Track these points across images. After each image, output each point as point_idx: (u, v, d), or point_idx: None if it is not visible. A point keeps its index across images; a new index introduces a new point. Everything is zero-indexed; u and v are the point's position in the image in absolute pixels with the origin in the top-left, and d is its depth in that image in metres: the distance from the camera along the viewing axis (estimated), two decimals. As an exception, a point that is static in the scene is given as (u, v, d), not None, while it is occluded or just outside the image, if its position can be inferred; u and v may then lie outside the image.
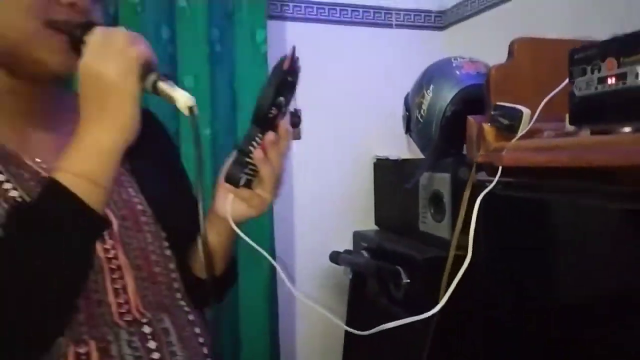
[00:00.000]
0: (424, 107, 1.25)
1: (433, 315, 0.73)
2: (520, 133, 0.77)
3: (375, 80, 1.67)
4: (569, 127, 0.72)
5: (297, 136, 0.66)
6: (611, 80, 0.63)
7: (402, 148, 1.57)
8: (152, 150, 0.71)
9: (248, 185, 0.63)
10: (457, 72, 1.23)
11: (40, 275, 0.51)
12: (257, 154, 0.60)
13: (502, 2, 1.47)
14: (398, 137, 1.47)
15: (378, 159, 1.62)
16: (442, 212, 1.21)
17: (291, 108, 0.64)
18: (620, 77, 0.62)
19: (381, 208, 1.62)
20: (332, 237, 1.60)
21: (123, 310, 0.62)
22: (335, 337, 1.55)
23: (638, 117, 0.61)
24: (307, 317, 1.65)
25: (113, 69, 0.51)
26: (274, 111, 0.59)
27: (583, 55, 0.68)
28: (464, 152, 0.94)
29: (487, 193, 0.78)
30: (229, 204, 0.65)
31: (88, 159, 0.53)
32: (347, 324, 1.46)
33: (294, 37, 1.59)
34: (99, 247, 0.60)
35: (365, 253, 1.46)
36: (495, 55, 0.98)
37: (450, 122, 1.19)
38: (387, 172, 1.57)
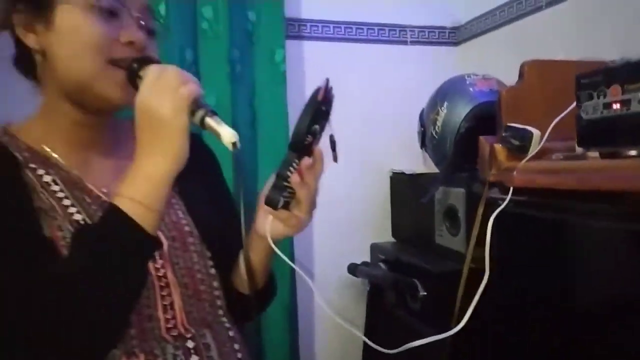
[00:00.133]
0: (439, 123, 1.29)
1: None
2: (530, 154, 0.81)
3: (390, 96, 1.71)
4: (579, 149, 0.75)
5: (334, 159, 0.70)
6: (616, 106, 0.67)
7: (418, 162, 1.61)
8: (200, 173, 0.76)
9: (286, 206, 0.67)
10: (471, 89, 1.26)
11: (100, 291, 0.56)
12: (294, 178, 0.64)
13: (516, 19, 1.51)
14: (414, 151, 1.50)
15: (394, 173, 1.65)
16: (457, 226, 1.24)
17: (326, 133, 0.68)
18: (625, 103, 0.66)
19: (398, 221, 1.65)
20: (350, 249, 1.63)
21: (170, 326, 0.66)
22: (354, 348, 1.58)
23: (641, 142, 0.64)
24: (326, 329, 1.69)
25: (167, 106, 0.57)
26: (309, 138, 0.63)
27: (589, 81, 0.72)
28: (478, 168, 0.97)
29: (499, 210, 0.81)
30: (268, 225, 0.69)
31: (143, 186, 0.58)
32: (366, 335, 1.50)
33: (312, 55, 1.64)
34: (150, 265, 0.66)
35: (382, 265, 1.49)
36: (508, 70, 1.01)
37: (464, 139, 1.22)
38: (403, 185, 1.60)
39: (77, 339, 0.56)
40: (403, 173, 1.59)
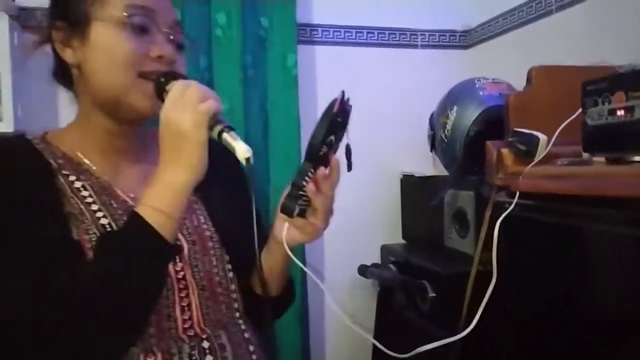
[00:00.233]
0: (448, 127, 1.30)
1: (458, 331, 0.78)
2: (537, 159, 0.82)
3: (401, 99, 1.73)
4: (586, 155, 0.77)
5: (348, 168, 0.71)
6: (620, 112, 0.68)
7: (428, 165, 1.62)
8: (225, 180, 0.79)
9: (302, 214, 0.69)
10: (481, 93, 1.27)
11: (119, 293, 0.59)
12: (309, 187, 0.66)
13: (526, 23, 1.51)
14: (424, 154, 1.52)
15: (405, 176, 1.67)
16: (466, 229, 1.26)
17: (343, 143, 0.70)
18: (629, 109, 0.67)
19: (408, 223, 1.67)
20: (360, 250, 1.66)
21: (187, 326, 0.69)
22: (365, 349, 1.60)
23: (646, 148, 0.65)
24: (337, 331, 1.71)
25: (187, 120, 0.60)
26: (324, 149, 0.65)
27: (594, 87, 0.73)
28: (486, 171, 0.98)
29: (506, 213, 0.82)
30: (285, 232, 0.71)
31: (164, 196, 0.62)
32: (375, 335, 1.51)
33: (323, 60, 1.67)
34: (171, 268, 0.69)
35: (392, 267, 1.51)
36: (519, 74, 1.02)
37: (473, 142, 1.23)
38: (413, 188, 1.62)
39: (97, 337, 0.59)
40: (413, 176, 1.60)
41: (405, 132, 1.70)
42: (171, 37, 0.71)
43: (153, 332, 0.66)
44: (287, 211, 0.67)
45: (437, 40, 1.78)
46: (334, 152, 0.67)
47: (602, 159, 0.73)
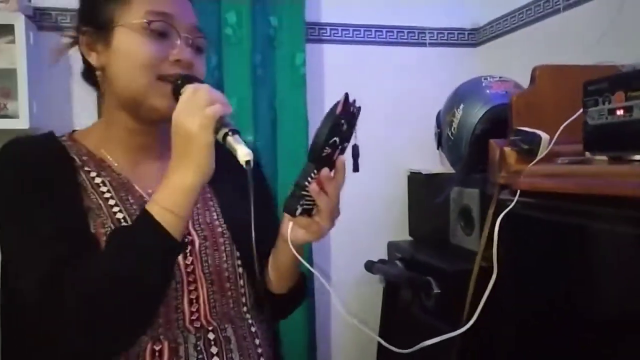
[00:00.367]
0: (455, 125, 1.31)
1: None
2: (539, 157, 0.83)
3: (409, 97, 1.74)
4: (587, 154, 0.77)
5: (354, 168, 0.72)
6: (619, 112, 0.69)
7: (435, 162, 1.63)
8: (238, 176, 0.81)
9: (308, 214, 0.70)
10: (487, 92, 1.28)
11: (128, 283, 0.62)
12: (312, 187, 0.67)
13: (535, 21, 1.52)
14: (431, 151, 1.53)
15: (412, 173, 1.68)
16: (471, 226, 1.27)
17: (352, 143, 0.70)
18: (628, 109, 0.68)
19: (415, 220, 1.68)
20: (367, 246, 1.67)
21: (194, 318, 0.72)
22: (370, 344, 1.62)
23: (644, 147, 0.66)
24: (343, 325, 1.73)
25: (195, 123, 0.63)
26: (327, 150, 0.66)
27: (595, 87, 0.74)
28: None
29: (508, 211, 0.84)
30: (289, 230, 0.73)
31: (173, 195, 0.65)
32: (381, 330, 1.53)
33: (331, 58, 1.68)
34: (181, 261, 0.73)
35: (399, 263, 1.52)
36: (528, 72, 1.02)
37: (479, 140, 1.24)
38: (420, 185, 1.63)
39: (109, 325, 0.63)
40: (420, 173, 1.62)
41: (413, 129, 1.71)
42: (190, 41, 0.74)
43: (161, 322, 0.69)
44: (289, 211, 0.69)
45: (445, 38, 1.79)
46: (341, 153, 0.68)
47: (605, 158, 0.74)
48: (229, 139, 0.65)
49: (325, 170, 0.67)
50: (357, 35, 1.71)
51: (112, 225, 0.69)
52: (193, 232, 0.76)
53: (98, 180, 0.73)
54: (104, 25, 0.73)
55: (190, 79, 0.70)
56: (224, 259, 0.78)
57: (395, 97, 1.74)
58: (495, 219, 0.86)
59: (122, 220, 0.71)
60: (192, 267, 0.74)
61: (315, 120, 1.64)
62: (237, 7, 1.48)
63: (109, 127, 0.77)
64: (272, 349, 0.83)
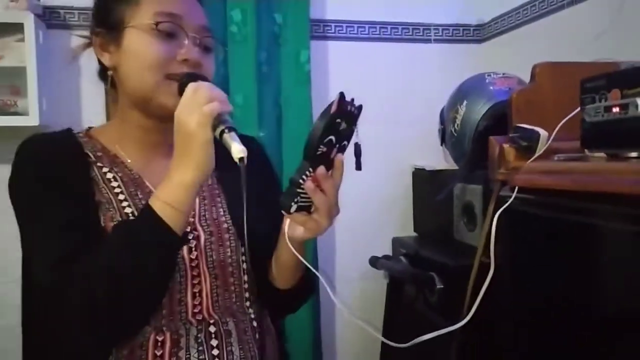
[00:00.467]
0: (458, 121, 1.32)
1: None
2: (537, 154, 0.84)
3: (414, 94, 1.75)
4: (585, 150, 0.78)
5: (356, 167, 0.72)
6: (616, 110, 0.69)
7: (439, 158, 1.63)
8: (251, 175, 0.82)
9: (307, 211, 0.70)
10: (490, 88, 1.28)
11: (129, 276, 0.65)
12: (308, 185, 0.67)
13: (540, 17, 1.51)
14: (436, 148, 1.54)
15: (416, 169, 1.69)
16: (474, 222, 1.28)
17: (353, 141, 0.71)
18: (623, 107, 0.68)
19: (419, 216, 1.69)
20: (372, 242, 1.69)
21: (196, 311, 0.75)
22: (374, 339, 1.63)
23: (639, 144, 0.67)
24: (347, 321, 1.75)
25: (193, 121, 0.65)
26: (322, 148, 0.66)
27: (592, 85, 0.74)
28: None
29: (507, 207, 0.84)
30: (286, 226, 0.74)
31: (174, 191, 0.67)
32: (384, 325, 1.54)
33: (336, 55, 1.69)
34: (186, 256, 0.75)
35: (403, 259, 1.53)
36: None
37: (482, 137, 1.24)
38: (424, 181, 1.64)
39: (113, 315, 0.65)
40: (424, 169, 1.62)
41: (417, 126, 1.72)
42: (198, 41, 0.76)
43: (165, 314, 0.72)
44: (283, 207, 0.69)
45: (450, 34, 1.79)
46: (341, 152, 0.68)
47: (602, 155, 0.74)
48: (225, 136, 0.66)
49: (321, 169, 0.67)
50: (362, 32, 1.72)
51: (120, 219, 0.72)
52: (199, 228, 0.78)
53: (110, 175, 0.77)
54: (115, 27, 0.76)
55: (195, 78, 0.72)
56: (229, 254, 0.80)
57: (400, 93, 1.74)
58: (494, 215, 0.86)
59: (130, 215, 0.74)
60: (196, 261, 0.76)
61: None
62: (242, 5, 1.49)
63: (123, 124, 0.80)
64: (278, 344, 0.85)
